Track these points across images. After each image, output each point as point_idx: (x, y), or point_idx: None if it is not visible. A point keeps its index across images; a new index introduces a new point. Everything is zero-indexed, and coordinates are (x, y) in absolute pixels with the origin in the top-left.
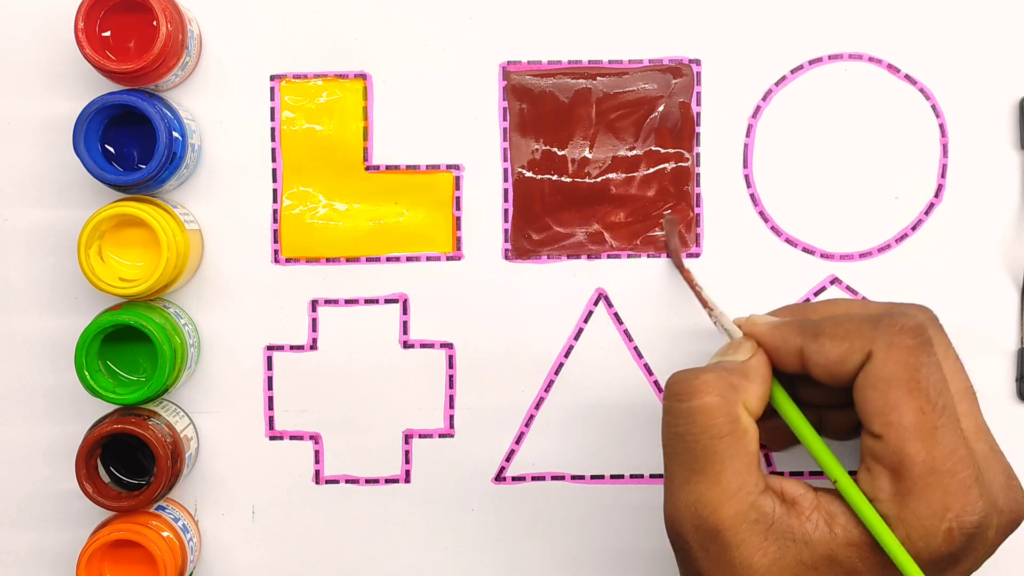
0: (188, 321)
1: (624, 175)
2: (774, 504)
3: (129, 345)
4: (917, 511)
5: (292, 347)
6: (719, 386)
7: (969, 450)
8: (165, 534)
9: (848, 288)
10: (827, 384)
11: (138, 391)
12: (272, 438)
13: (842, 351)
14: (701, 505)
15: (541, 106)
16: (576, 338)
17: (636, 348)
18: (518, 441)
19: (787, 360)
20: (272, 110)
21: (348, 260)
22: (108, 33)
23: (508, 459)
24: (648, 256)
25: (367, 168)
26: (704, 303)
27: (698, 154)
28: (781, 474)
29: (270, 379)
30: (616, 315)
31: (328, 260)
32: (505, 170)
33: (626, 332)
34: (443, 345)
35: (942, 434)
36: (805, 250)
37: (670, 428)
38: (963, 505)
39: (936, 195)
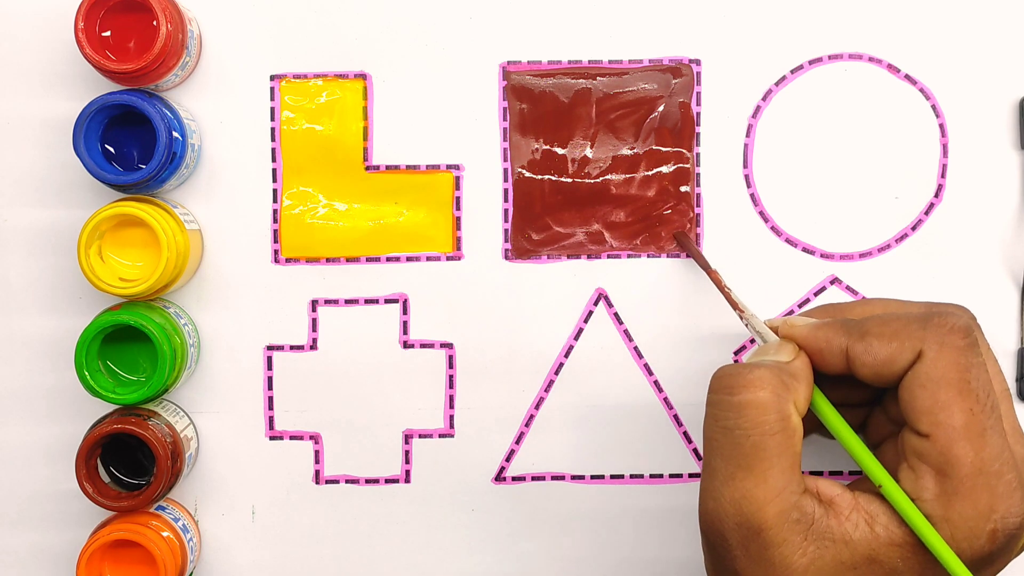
0: (188, 321)
1: (624, 175)
2: (814, 504)
3: (129, 345)
4: (963, 512)
5: (292, 347)
6: (773, 383)
7: (1011, 452)
8: (165, 534)
9: (848, 288)
10: (871, 384)
11: (138, 391)
12: (272, 438)
13: (891, 351)
14: (747, 502)
15: (541, 106)
16: (576, 338)
17: (636, 348)
18: (518, 441)
19: (831, 361)
20: (272, 110)
21: (348, 260)
22: (108, 33)
23: (508, 459)
24: (648, 256)
25: (367, 168)
26: (735, 306)
27: (698, 154)
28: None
29: (270, 379)
30: (616, 315)
31: (328, 260)
32: (505, 170)
33: (626, 332)
34: (443, 345)
35: (990, 436)
36: (805, 250)
37: (717, 422)
38: (1008, 507)
39: (936, 195)
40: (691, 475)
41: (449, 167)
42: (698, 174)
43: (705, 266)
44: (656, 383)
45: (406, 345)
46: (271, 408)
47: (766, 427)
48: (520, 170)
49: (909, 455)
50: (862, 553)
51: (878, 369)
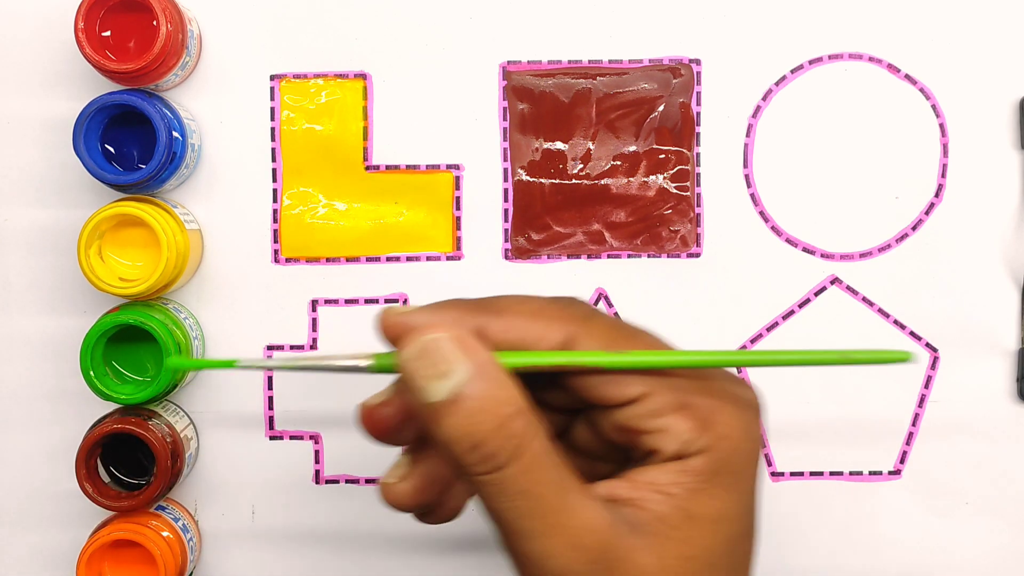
0: (188, 315)
1: (624, 175)
2: (617, 507)
3: (133, 345)
4: None
5: (292, 347)
6: (525, 427)
7: None
8: (165, 534)
9: (848, 288)
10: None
11: (147, 389)
12: (272, 438)
13: (536, 331)
14: (582, 536)
15: (541, 106)
16: None
17: None
18: None
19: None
20: (272, 110)
21: (348, 260)
22: (108, 33)
23: None
24: (648, 256)
25: (367, 168)
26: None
27: (698, 154)
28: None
29: (270, 379)
30: (616, 315)
31: (328, 260)
32: (505, 170)
33: None
34: None
35: None
36: (805, 250)
37: (506, 493)
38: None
39: (936, 195)
40: None
41: (449, 167)
42: (698, 174)
43: None
44: None
45: None
46: (271, 408)
47: (548, 463)
48: (520, 170)
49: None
50: (681, 518)
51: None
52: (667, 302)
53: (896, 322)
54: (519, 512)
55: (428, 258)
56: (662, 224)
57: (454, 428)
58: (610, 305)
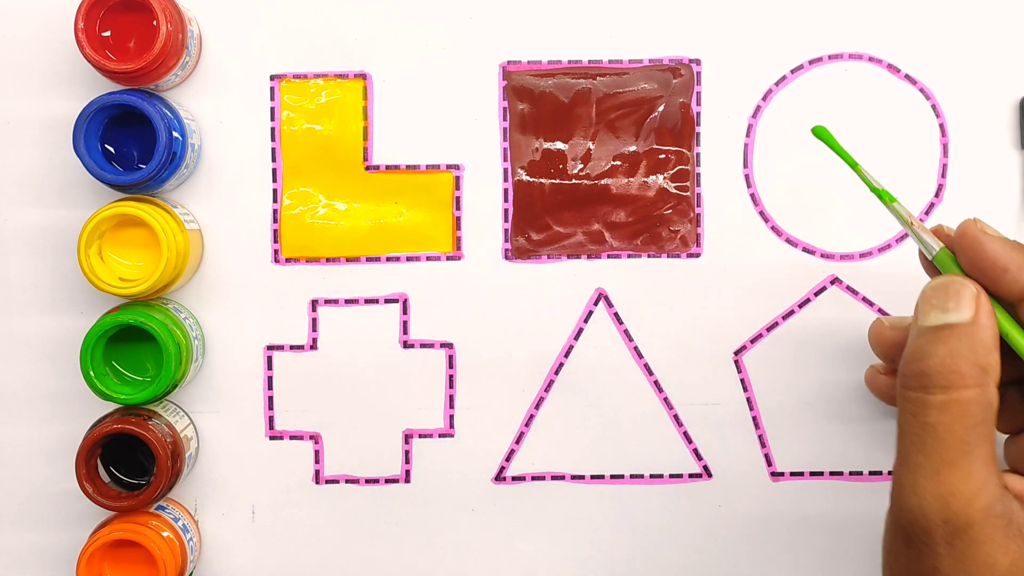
0: (188, 315)
1: (624, 175)
2: (1010, 498)
3: (133, 345)
4: None
5: (292, 347)
6: (975, 376)
7: None
8: (165, 534)
9: (848, 288)
10: None
11: (147, 389)
12: (272, 438)
13: None
14: (954, 498)
15: (541, 106)
16: (576, 338)
17: (636, 348)
18: (518, 441)
19: (1006, 288)
20: (272, 110)
21: (348, 260)
22: (108, 33)
23: (508, 459)
24: (648, 256)
25: (367, 168)
26: (901, 218)
27: (698, 154)
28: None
29: (270, 379)
30: (616, 315)
31: (328, 260)
32: (505, 170)
33: (626, 332)
34: (443, 345)
35: None
36: (805, 250)
37: (918, 418)
38: None
39: (936, 195)
40: (691, 475)
41: (449, 167)
42: (698, 174)
43: (852, 164)
44: (656, 383)
45: (406, 345)
46: (271, 408)
47: (970, 420)
48: (520, 170)
49: None
50: None
51: None
52: (667, 302)
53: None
54: (917, 440)
55: (428, 258)
56: (662, 224)
57: (917, 347)
58: (610, 305)
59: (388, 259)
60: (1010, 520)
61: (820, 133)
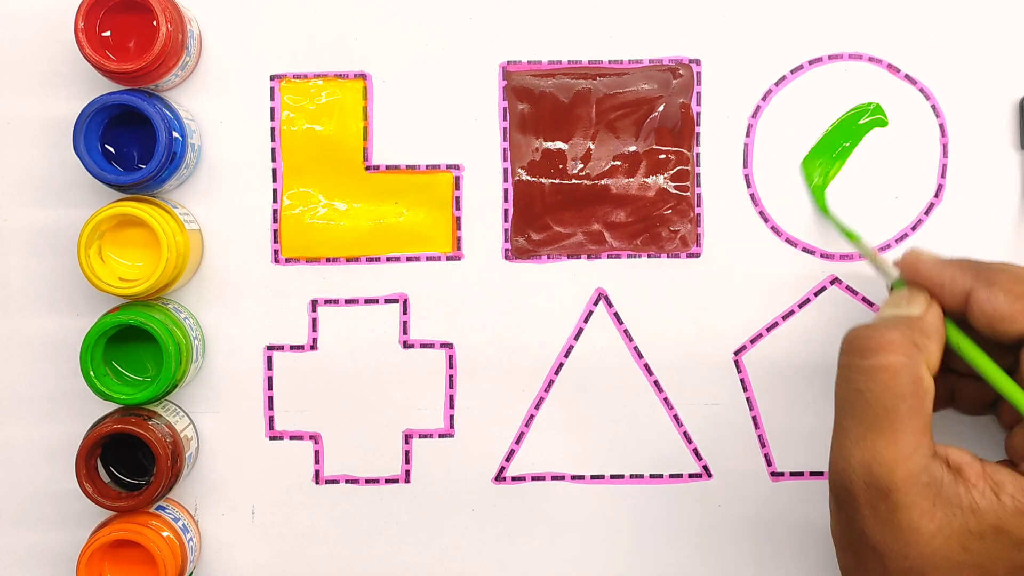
0: (188, 315)
1: (624, 175)
2: (943, 470)
3: (133, 346)
4: None
5: (292, 347)
6: (905, 345)
7: None
8: (165, 534)
9: (848, 288)
10: (983, 334)
11: (147, 389)
12: (272, 438)
13: (1014, 310)
14: (876, 463)
15: (541, 106)
16: (576, 338)
17: (636, 348)
18: (518, 441)
19: (950, 300)
20: (272, 110)
21: (348, 260)
22: (108, 33)
23: (508, 459)
24: (648, 256)
25: (367, 168)
26: (850, 236)
27: (698, 154)
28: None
29: (270, 379)
30: (616, 315)
31: (328, 260)
32: (505, 170)
33: (626, 332)
34: (443, 345)
35: None
36: (805, 250)
37: (849, 383)
38: None
39: (936, 195)
40: (691, 475)
41: (449, 167)
42: (698, 174)
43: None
44: (656, 383)
45: (406, 345)
46: (271, 408)
47: (898, 390)
48: (520, 170)
49: None
50: (989, 522)
51: (995, 323)
52: (667, 302)
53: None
54: (848, 406)
55: (428, 258)
56: (662, 224)
57: (859, 333)
58: (610, 305)
59: (388, 259)
60: (938, 490)
61: (805, 171)
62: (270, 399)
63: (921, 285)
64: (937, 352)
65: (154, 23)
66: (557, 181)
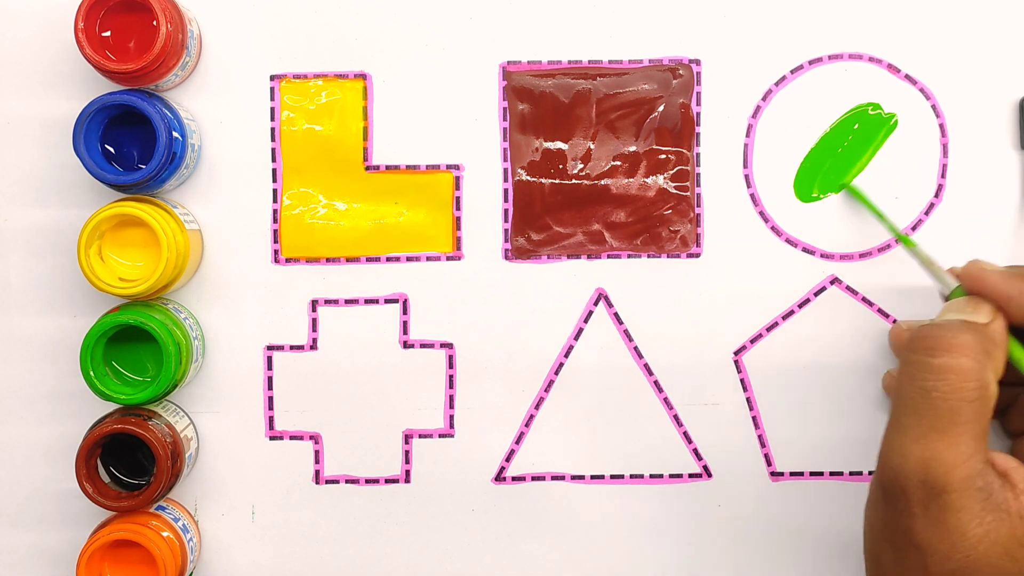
0: (188, 315)
1: (624, 175)
2: (994, 475)
3: (132, 345)
4: None
5: (292, 347)
6: (976, 350)
7: None
8: (165, 534)
9: (848, 288)
10: None
11: (147, 389)
12: (272, 438)
13: None
14: (935, 462)
15: (541, 106)
16: (576, 338)
17: (636, 348)
18: (518, 441)
19: (1017, 312)
20: (272, 110)
21: (348, 260)
22: (108, 33)
23: (508, 459)
24: (648, 256)
25: (367, 168)
26: (906, 242)
27: (698, 154)
28: None
29: (270, 379)
30: (616, 315)
31: (328, 260)
32: (505, 170)
33: (626, 332)
34: (443, 345)
35: None
36: (805, 250)
37: (914, 381)
38: None
39: (936, 195)
40: (691, 475)
41: (449, 167)
42: (698, 174)
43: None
44: (656, 383)
45: (406, 345)
46: (271, 408)
47: (965, 393)
48: (520, 170)
49: None
50: None
51: None
52: (667, 302)
53: (896, 322)
54: (912, 404)
55: (428, 258)
56: (662, 224)
57: (931, 332)
58: (610, 305)
59: (388, 259)
60: (989, 495)
61: (853, 191)
62: (270, 399)
63: (986, 296)
64: (1003, 361)
65: (154, 23)
66: (557, 181)
